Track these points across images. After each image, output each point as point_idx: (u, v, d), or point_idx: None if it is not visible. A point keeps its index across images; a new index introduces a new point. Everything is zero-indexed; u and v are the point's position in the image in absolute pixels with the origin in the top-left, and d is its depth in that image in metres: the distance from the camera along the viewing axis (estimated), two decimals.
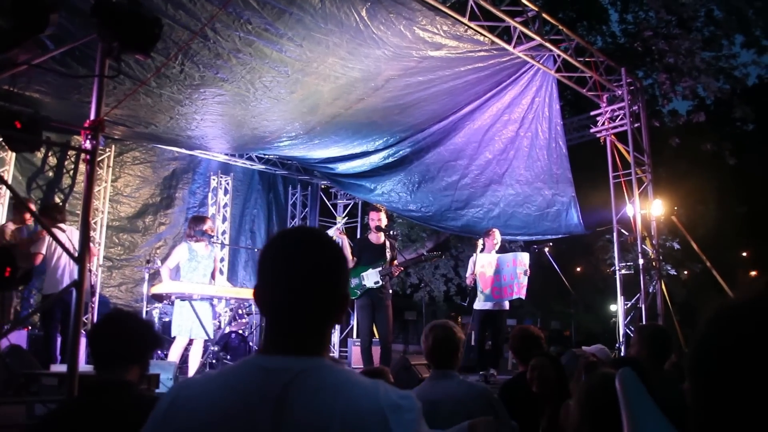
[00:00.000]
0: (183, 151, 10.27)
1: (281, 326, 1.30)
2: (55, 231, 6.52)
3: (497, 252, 8.20)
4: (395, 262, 7.20)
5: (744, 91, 13.98)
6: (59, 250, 6.68)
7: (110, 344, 2.30)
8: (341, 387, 1.21)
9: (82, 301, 3.44)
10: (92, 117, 3.42)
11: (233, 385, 1.22)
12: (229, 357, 8.00)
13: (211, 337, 7.06)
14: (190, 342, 6.84)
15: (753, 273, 20.97)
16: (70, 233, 6.87)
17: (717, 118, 15.66)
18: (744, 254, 20.78)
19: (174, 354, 6.66)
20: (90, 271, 7.15)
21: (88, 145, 3.42)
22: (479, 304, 8.05)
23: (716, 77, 12.28)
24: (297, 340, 1.27)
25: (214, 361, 7.57)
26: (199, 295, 6.82)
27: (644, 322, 8.06)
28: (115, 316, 2.59)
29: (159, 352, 7.36)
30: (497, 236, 8.19)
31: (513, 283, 7.93)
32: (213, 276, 7.23)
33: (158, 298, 7.45)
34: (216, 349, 7.73)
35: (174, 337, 6.77)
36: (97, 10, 3.16)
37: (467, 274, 8.29)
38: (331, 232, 10.78)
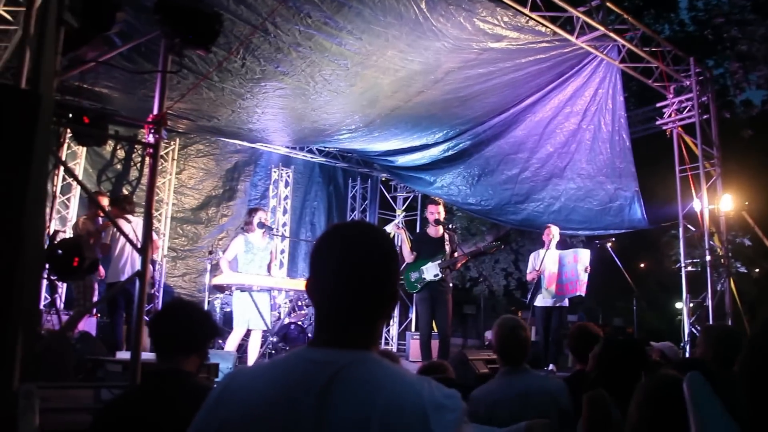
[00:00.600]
0: (245, 144, 10.45)
1: (331, 319, 1.31)
2: (121, 222, 6.75)
3: (557, 248, 8.13)
4: (455, 254, 7.18)
5: None
6: (122, 240, 6.87)
7: (170, 333, 2.36)
8: (385, 382, 1.20)
9: (145, 290, 3.53)
10: (155, 111, 3.51)
11: (281, 376, 1.24)
12: (287, 348, 8.10)
13: (270, 327, 7.17)
14: (249, 333, 6.96)
15: None
16: (136, 224, 7.08)
17: None
18: None
19: (231, 344, 6.79)
20: (153, 261, 7.36)
21: (151, 138, 3.51)
22: (541, 301, 8.03)
23: None
24: (345, 334, 1.27)
25: (273, 351, 7.68)
26: (259, 286, 6.93)
27: (711, 322, 7.81)
28: (174, 306, 2.65)
29: (219, 341, 7.52)
30: (553, 232, 8.15)
31: (574, 280, 7.85)
32: (269, 267, 7.32)
33: (219, 288, 7.61)
34: (275, 339, 7.84)
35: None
36: (159, 7, 3.24)
37: (528, 270, 8.28)
38: (390, 227, 10.83)
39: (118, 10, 3.26)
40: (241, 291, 6.81)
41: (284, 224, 11.24)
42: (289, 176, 11.34)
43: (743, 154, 12.65)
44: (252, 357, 6.90)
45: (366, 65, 7.04)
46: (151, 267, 7.06)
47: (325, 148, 11.37)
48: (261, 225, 7.07)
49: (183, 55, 3.49)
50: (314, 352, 1.27)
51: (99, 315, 8.01)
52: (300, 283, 7.93)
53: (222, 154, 10.70)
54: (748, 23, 11.43)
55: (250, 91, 7.45)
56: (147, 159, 9.68)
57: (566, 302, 8.10)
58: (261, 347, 7.13)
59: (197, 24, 3.33)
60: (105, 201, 7.22)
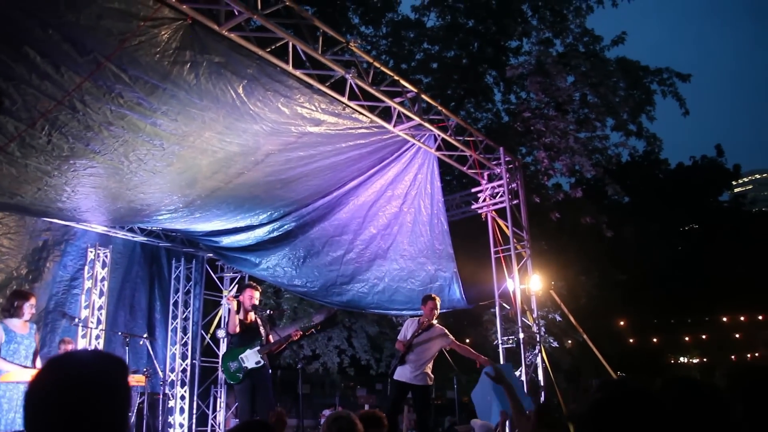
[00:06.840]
0: (57, 221, 9.73)
1: None
2: None
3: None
4: (270, 338, 7.08)
5: (619, 168, 14.87)
6: None
7: None
8: None
9: None
10: None
11: None
12: None
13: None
14: None
15: (631, 340, 21.96)
16: None
17: (595, 192, 16.52)
18: (621, 323, 21.76)
19: None
20: None
21: None
22: (402, 375, 7.24)
23: (590, 156, 13.00)
24: None
25: None
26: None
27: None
28: None
29: None
30: (438, 304, 7.59)
31: None
32: (35, 358, 6.40)
33: None
34: None
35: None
36: None
37: (399, 338, 7.54)
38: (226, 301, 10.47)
39: None
40: None
41: (100, 307, 10.46)
42: (107, 256, 10.64)
43: (552, 235, 13.69)
44: None
45: (183, 146, 6.87)
46: None
47: (147, 227, 10.87)
48: (20, 310, 6.35)
49: None
50: None
51: None
52: None
53: (28, 231, 9.81)
54: (551, 118, 12.61)
55: (58, 169, 6.98)
56: None
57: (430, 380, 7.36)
58: None
59: None
60: None
